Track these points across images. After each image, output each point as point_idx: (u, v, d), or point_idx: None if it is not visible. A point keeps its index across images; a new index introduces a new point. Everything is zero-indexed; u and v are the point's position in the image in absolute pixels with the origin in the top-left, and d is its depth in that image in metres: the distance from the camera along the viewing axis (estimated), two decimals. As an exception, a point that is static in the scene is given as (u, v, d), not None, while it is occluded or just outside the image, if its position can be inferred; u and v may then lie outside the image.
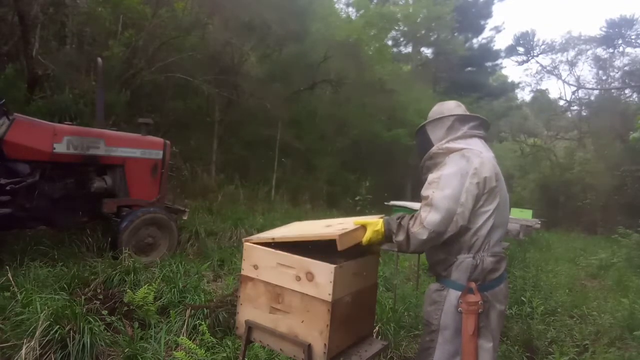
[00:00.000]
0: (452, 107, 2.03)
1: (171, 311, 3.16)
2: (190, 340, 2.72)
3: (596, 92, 17.47)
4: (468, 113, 2.01)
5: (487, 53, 23.78)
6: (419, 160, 2.04)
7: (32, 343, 2.40)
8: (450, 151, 1.86)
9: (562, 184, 16.15)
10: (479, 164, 1.78)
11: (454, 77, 21.85)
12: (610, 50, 14.90)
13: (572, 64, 17.78)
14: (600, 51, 16.18)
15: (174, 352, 2.72)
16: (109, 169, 4.66)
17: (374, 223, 1.85)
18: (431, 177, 1.83)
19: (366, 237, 1.83)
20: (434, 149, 1.92)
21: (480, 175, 1.76)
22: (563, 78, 17.99)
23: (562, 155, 17.74)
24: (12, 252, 3.99)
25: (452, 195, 1.74)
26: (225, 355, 2.68)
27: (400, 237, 1.78)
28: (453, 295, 1.80)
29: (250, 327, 1.86)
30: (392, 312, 3.49)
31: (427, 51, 22.85)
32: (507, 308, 1.94)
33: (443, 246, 1.84)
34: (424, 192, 1.80)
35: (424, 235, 1.73)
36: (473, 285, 1.77)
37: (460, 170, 1.77)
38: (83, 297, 3.23)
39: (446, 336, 1.81)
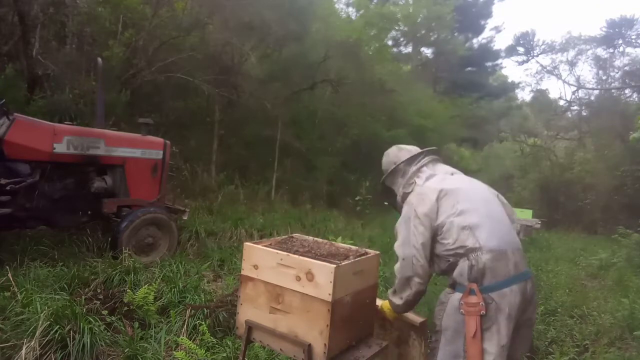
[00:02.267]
0: (395, 153, 2.26)
1: (171, 311, 3.16)
2: (190, 340, 2.72)
3: (596, 92, 17.42)
4: (412, 153, 2.20)
5: (487, 53, 23.77)
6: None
7: (32, 343, 2.40)
8: (407, 195, 2.08)
9: (562, 184, 16.12)
10: (417, 202, 1.97)
11: (454, 77, 21.84)
12: (610, 50, 14.88)
13: (572, 64, 17.75)
14: (600, 51, 16.15)
15: (174, 352, 2.72)
16: (109, 169, 4.66)
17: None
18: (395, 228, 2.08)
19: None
20: (398, 199, 2.15)
21: (419, 213, 1.93)
22: (563, 78, 17.95)
23: (562, 155, 17.70)
24: (12, 252, 3.98)
25: (403, 241, 1.95)
26: (225, 355, 2.68)
27: (398, 300, 2.00)
28: (456, 296, 1.82)
29: (250, 327, 1.86)
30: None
31: (427, 51, 22.87)
32: (528, 315, 1.88)
33: (445, 258, 1.89)
34: None
35: (396, 280, 1.98)
36: (474, 286, 1.76)
37: (404, 218, 2.00)
38: (83, 297, 3.22)
39: (447, 337, 1.82)
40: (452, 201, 1.90)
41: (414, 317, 2.09)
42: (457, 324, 1.79)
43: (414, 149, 2.25)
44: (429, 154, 2.21)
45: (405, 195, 2.07)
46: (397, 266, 1.97)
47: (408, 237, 1.92)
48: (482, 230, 1.82)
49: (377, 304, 2.16)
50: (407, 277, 1.92)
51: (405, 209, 2.01)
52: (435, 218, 1.89)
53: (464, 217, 1.85)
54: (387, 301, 2.11)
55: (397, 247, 1.98)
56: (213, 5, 8.74)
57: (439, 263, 1.94)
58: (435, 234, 1.90)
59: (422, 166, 2.13)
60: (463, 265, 1.81)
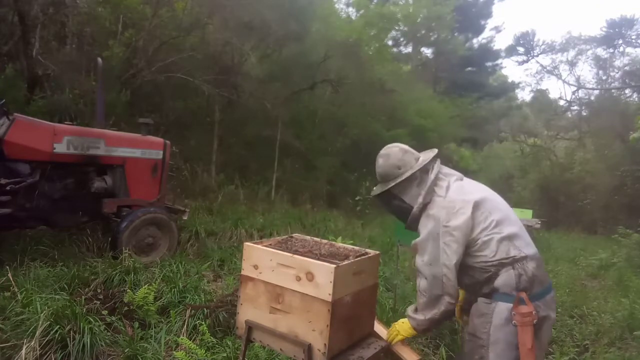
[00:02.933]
0: (399, 156, 2.00)
1: (171, 311, 3.16)
2: (190, 340, 2.72)
3: (596, 92, 17.44)
4: (417, 155, 2.04)
5: (487, 53, 23.77)
6: (403, 223, 2.05)
7: (32, 343, 2.40)
8: (426, 207, 1.89)
9: (562, 184, 16.12)
10: (447, 216, 1.81)
11: (454, 77, 21.85)
12: (610, 50, 14.89)
13: (572, 64, 17.76)
14: (600, 51, 16.16)
15: (174, 352, 2.72)
16: (109, 169, 4.65)
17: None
18: (416, 243, 1.92)
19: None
20: (415, 211, 1.92)
21: (452, 228, 1.79)
22: (563, 78, 17.96)
23: (562, 155, 17.70)
24: (12, 252, 3.98)
25: (431, 260, 1.81)
26: (225, 355, 2.68)
27: (422, 316, 1.89)
28: (503, 307, 1.73)
29: (250, 327, 1.86)
30: (392, 312, 3.49)
31: (427, 51, 22.87)
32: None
33: (483, 270, 1.81)
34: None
35: (422, 299, 1.86)
36: (524, 295, 1.70)
37: (430, 234, 1.83)
38: (83, 297, 3.23)
39: (497, 351, 1.73)
40: (484, 213, 1.81)
41: (410, 354, 1.95)
42: (508, 335, 1.70)
43: (414, 151, 2.09)
44: (438, 156, 2.06)
45: (425, 207, 1.90)
46: (422, 284, 1.85)
47: (437, 256, 1.79)
48: (519, 240, 1.80)
49: (379, 327, 2.08)
50: (436, 295, 1.80)
51: (430, 224, 1.85)
52: (469, 233, 1.79)
53: (500, 228, 1.79)
54: (402, 322, 1.97)
55: (424, 265, 1.83)
56: (213, 5, 8.74)
57: (474, 274, 1.83)
58: (467, 247, 1.80)
59: (437, 172, 1.96)
60: (508, 275, 1.74)
